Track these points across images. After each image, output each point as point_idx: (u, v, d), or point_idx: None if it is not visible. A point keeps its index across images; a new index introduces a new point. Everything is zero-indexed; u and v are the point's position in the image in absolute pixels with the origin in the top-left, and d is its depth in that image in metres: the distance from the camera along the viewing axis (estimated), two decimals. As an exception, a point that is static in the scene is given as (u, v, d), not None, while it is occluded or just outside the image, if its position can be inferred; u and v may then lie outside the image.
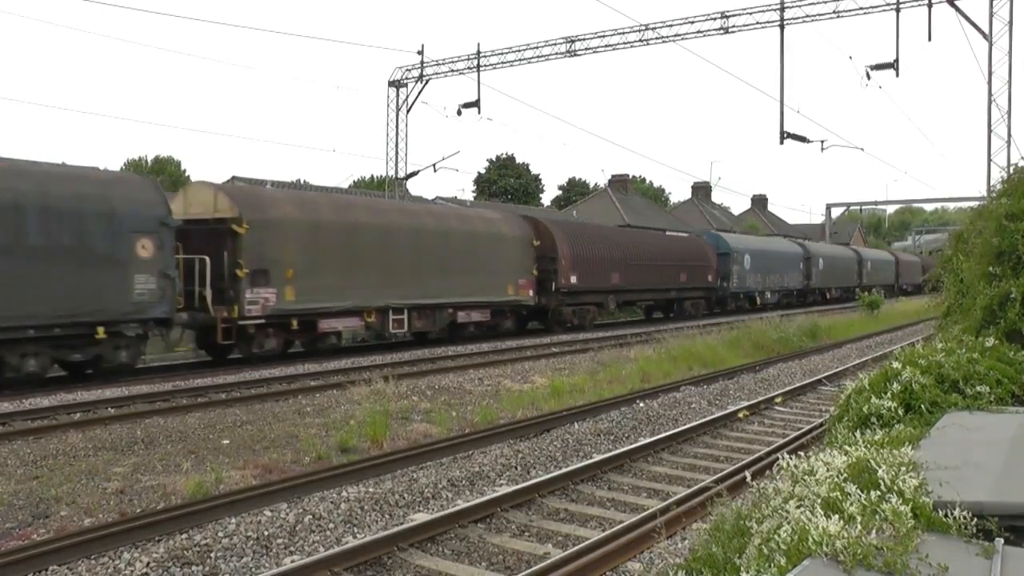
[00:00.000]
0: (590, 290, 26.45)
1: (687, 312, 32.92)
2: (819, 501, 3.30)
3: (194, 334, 17.23)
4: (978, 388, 5.60)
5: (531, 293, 24.15)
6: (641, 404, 12.43)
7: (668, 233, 36.63)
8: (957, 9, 24.05)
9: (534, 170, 71.92)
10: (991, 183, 18.66)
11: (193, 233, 16.05)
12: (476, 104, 31.22)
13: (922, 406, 5.40)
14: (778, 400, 13.26)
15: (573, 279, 25.42)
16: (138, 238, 14.50)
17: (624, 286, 28.19)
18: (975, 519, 3.24)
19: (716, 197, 75.31)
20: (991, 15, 23.81)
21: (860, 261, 51.33)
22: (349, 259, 18.32)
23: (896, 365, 5.93)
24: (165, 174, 58.85)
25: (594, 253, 26.65)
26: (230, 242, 16.25)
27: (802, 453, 4.49)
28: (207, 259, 15.93)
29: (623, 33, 29.12)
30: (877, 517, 3.10)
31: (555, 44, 30.23)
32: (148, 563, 5.81)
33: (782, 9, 26.23)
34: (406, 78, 33.58)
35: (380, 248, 19.20)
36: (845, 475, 3.61)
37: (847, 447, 4.13)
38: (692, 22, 27.91)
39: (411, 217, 21.09)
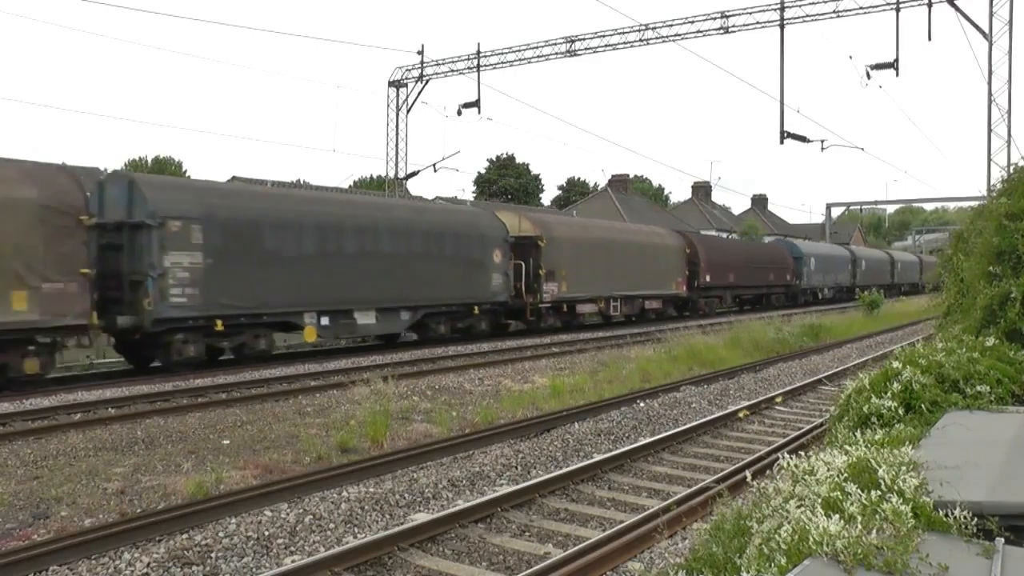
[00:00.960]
0: (717, 286, 35.07)
1: (773, 303, 40.73)
2: (819, 501, 3.30)
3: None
4: (978, 388, 5.59)
5: (684, 288, 32.01)
6: (641, 404, 12.43)
7: (762, 241, 47.41)
8: (957, 9, 24.06)
9: (534, 170, 72.00)
10: (991, 183, 18.67)
11: None
12: (476, 104, 31.23)
13: (922, 406, 5.39)
14: (778, 400, 13.25)
15: (708, 278, 33.66)
16: (493, 249, 22.51)
17: (736, 283, 36.67)
18: (975, 519, 3.23)
19: (716, 197, 75.38)
20: (991, 15, 23.82)
21: (892, 263, 58.53)
22: (592, 264, 26.07)
23: (896, 365, 5.93)
24: (165, 174, 58.88)
25: (720, 258, 35.57)
26: (535, 251, 24.01)
27: (802, 453, 4.49)
28: (523, 263, 23.67)
29: (623, 33, 29.13)
30: (877, 517, 3.10)
31: (555, 44, 30.24)
32: (148, 563, 5.81)
33: (782, 9, 26.23)
34: (406, 78, 33.59)
35: (607, 256, 27.01)
36: (845, 475, 3.61)
37: (847, 447, 4.13)
38: (692, 22, 27.91)
39: (619, 233, 30.05)
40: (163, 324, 14.92)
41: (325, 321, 17.81)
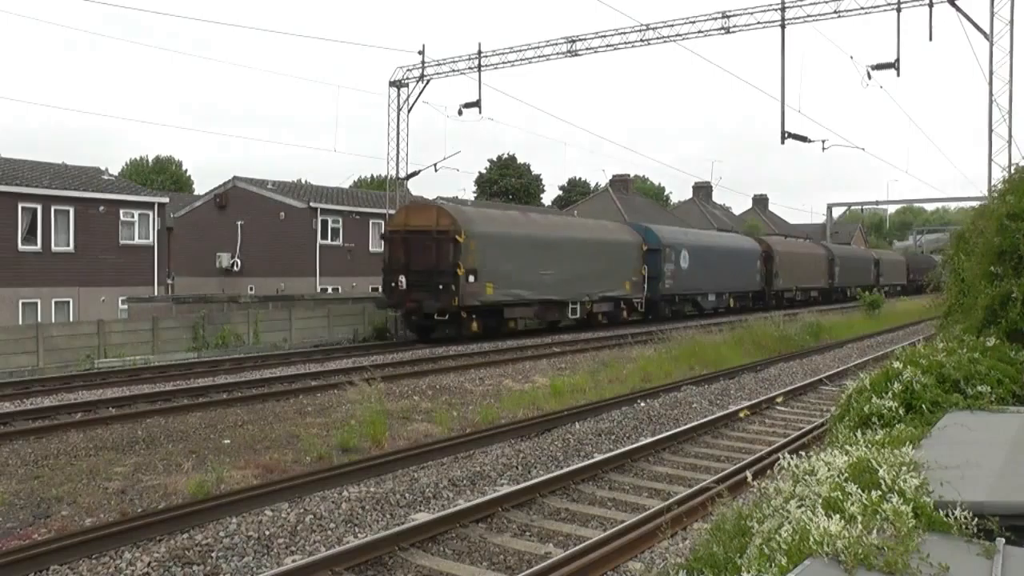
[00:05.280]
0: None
1: (917, 292, 56.75)
2: (820, 501, 3.29)
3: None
4: (979, 388, 5.57)
5: (905, 279, 55.21)
6: (642, 404, 12.43)
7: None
8: (958, 9, 24.00)
9: (535, 170, 71.97)
10: (992, 183, 18.61)
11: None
12: (477, 104, 31.13)
13: (923, 406, 5.38)
14: (779, 400, 13.25)
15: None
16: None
17: (913, 278, 60.05)
18: (976, 519, 3.23)
19: (717, 197, 75.26)
20: (992, 15, 23.76)
21: (933, 265, 67.87)
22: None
23: (897, 365, 5.92)
24: (165, 174, 58.96)
25: (916, 266, 62.11)
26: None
27: (803, 453, 4.49)
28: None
29: (624, 33, 29.06)
30: (878, 517, 3.09)
31: (556, 44, 30.16)
32: (149, 563, 5.82)
33: (783, 9, 26.16)
34: (407, 78, 33.53)
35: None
36: (846, 475, 3.60)
37: (848, 447, 4.12)
38: (693, 22, 27.83)
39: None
40: None
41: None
